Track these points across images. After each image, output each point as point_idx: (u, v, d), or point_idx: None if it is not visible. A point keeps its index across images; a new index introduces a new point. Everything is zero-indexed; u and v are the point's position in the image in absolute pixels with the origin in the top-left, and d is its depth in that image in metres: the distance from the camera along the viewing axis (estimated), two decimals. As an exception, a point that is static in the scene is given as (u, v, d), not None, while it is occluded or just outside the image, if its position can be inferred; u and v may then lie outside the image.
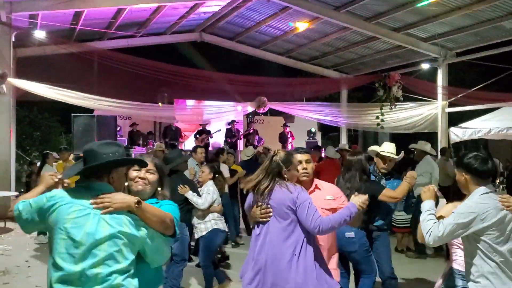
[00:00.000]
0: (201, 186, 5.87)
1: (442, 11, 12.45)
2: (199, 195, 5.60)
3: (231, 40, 17.60)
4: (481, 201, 2.90)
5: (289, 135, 16.45)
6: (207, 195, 5.60)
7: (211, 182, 5.82)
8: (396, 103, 14.14)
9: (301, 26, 13.72)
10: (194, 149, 8.57)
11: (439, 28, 13.67)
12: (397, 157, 5.14)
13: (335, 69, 18.53)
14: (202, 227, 5.62)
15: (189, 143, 15.53)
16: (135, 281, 2.41)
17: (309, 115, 16.05)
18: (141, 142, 14.58)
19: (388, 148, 5.13)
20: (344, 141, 18.80)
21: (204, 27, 16.79)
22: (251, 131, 15.43)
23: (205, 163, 7.43)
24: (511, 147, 16.41)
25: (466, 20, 12.76)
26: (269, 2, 13.12)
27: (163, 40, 17.13)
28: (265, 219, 3.23)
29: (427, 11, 12.66)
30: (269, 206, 3.23)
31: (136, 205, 2.39)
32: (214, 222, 5.65)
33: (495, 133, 13.91)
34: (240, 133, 14.92)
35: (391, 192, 4.66)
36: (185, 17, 15.04)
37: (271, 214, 3.21)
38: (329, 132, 21.66)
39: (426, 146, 7.81)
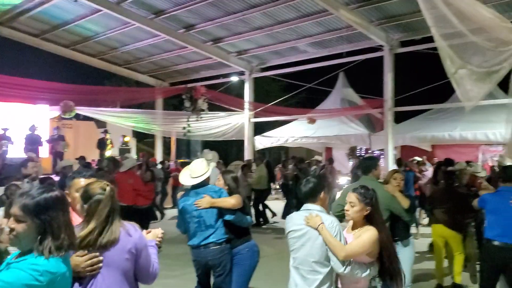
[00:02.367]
0: None
1: (247, 29, 13.53)
2: None
3: (36, 37, 16.06)
4: None
5: (108, 142, 15.28)
6: None
7: None
8: (202, 114, 14.86)
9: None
10: (24, 163, 7.56)
11: (246, 45, 14.84)
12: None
13: (150, 75, 18.48)
14: None
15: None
16: None
17: (121, 121, 15.59)
18: None
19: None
20: (159, 147, 18.86)
21: (1, 20, 14.96)
22: (56, 136, 14.18)
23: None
24: (306, 154, 18.72)
25: (267, 39, 14.10)
26: (77, 2, 12.41)
27: None
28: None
29: (234, 28, 13.61)
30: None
31: None
32: None
33: (292, 141, 15.78)
34: (42, 140, 13.52)
35: None
36: (-25, 6, 13.22)
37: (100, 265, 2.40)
38: (144, 138, 21.40)
39: (208, 155, 8.09)
